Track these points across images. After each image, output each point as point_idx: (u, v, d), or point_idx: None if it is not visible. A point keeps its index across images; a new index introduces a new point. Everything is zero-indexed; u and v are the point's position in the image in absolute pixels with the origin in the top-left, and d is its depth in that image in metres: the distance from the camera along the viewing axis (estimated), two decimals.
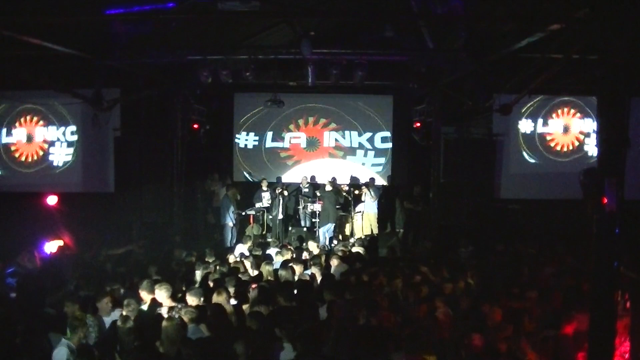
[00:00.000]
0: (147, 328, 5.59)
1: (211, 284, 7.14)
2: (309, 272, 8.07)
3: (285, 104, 11.82)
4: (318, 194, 12.46)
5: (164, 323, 5.31)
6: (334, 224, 12.32)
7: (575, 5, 5.82)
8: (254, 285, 7.04)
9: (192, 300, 6.21)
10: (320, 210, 12.31)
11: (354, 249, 10.22)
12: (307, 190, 12.81)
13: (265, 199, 12.59)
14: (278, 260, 8.95)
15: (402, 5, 8.75)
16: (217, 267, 8.15)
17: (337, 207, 12.69)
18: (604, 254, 5.12)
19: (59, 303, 6.31)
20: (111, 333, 5.67)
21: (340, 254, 9.29)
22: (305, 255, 9.39)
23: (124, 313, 5.80)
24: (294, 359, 4.88)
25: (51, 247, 10.34)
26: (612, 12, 5.06)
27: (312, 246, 9.89)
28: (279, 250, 9.53)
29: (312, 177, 13.29)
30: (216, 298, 6.27)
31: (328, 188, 12.30)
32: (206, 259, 8.92)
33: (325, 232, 12.16)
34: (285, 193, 12.61)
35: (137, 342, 5.21)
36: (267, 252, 9.75)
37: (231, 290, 6.72)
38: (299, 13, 7.78)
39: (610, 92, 5.15)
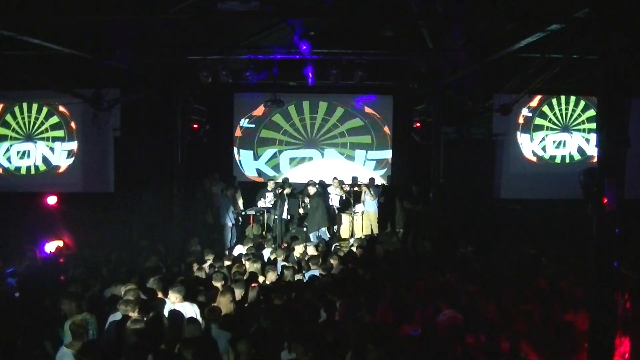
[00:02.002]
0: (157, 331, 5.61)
1: (217, 284, 7.15)
2: (316, 272, 8.08)
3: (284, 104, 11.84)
4: (306, 199, 12.35)
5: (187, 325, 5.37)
6: (324, 227, 11.97)
7: (575, 5, 5.82)
8: (253, 285, 7.06)
9: (174, 297, 6.22)
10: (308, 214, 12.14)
11: (353, 249, 10.21)
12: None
13: (268, 199, 12.56)
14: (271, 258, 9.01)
15: (402, 5, 8.75)
16: (218, 268, 8.16)
17: (338, 206, 12.68)
18: (604, 254, 5.12)
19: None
20: (114, 334, 5.68)
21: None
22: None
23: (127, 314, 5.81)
24: (295, 358, 4.89)
25: (51, 247, 10.37)
26: (612, 12, 5.06)
27: (298, 250, 9.79)
28: (272, 249, 9.53)
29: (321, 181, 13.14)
30: (220, 299, 6.27)
31: (312, 191, 12.00)
32: (205, 259, 8.95)
33: (316, 236, 11.84)
34: (286, 192, 12.54)
35: (144, 343, 5.21)
36: (263, 252, 9.74)
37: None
38: (298, 13, 7.76)
39: (610, 92, 5.16)
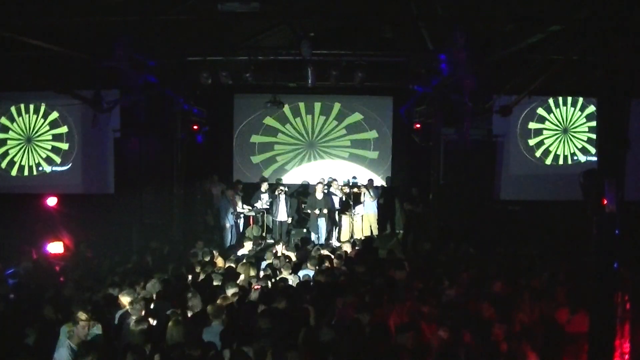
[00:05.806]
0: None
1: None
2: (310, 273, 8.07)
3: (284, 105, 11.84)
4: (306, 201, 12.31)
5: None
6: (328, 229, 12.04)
7: (575, 6, 5.82)
8: (256, 286, 7.05)
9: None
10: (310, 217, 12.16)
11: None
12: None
13: (264, 200, 12.55)
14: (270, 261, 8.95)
15: (402, 6, 8.75)
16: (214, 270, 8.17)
17: (338, 208, 12.67)
18: (604, 255, 5.11)
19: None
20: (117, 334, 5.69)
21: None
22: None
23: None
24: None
25: (51, 248, 10.35)
26: (612, 13, 5.06)
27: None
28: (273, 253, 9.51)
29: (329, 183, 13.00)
30: (221, 302, 6.26)
31: (319, 191, 11.97)
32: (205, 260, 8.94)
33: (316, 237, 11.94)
34: (282, 196, 12.48)
35: (150, 344, 5.21)
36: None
37: (232, 291, 6.76)
38: (298, 14, 7.77)
39: (610, 94, 5.15)
